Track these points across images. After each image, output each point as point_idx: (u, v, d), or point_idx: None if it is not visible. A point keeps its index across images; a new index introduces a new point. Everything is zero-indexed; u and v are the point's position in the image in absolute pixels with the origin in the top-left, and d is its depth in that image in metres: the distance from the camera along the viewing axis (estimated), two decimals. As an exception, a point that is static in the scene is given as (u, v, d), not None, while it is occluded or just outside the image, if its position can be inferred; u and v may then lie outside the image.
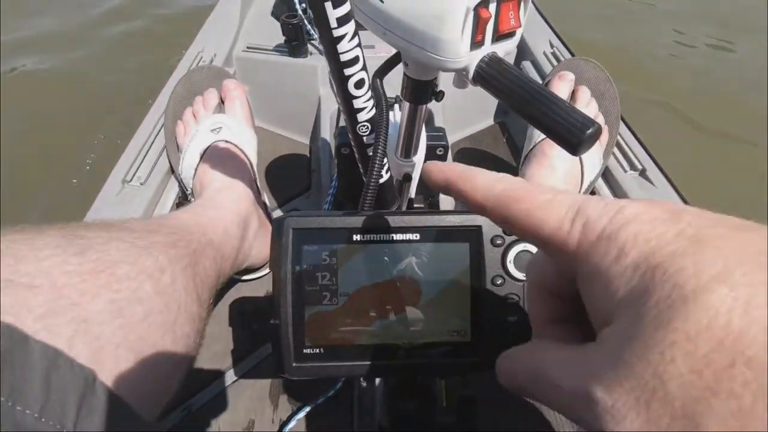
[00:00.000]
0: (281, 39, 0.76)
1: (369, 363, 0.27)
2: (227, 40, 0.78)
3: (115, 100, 1.31)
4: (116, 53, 1.57)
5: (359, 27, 0.30)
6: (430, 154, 0.53)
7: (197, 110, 0.56)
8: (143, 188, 0.55)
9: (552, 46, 0.78)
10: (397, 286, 0.27)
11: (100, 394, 0.22)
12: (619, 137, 0.61)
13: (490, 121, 0.83)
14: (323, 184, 0.66)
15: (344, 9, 0.27)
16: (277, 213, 0.68)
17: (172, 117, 0.58)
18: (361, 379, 0.41)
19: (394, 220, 0.27)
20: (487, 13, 0.28)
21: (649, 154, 0.60)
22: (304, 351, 0.26)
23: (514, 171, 0.70)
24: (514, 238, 0.27)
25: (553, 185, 0.52)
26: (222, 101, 0.58)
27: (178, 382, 0.31)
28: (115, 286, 0.26)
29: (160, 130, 0.60)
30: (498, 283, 0.27)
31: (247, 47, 0.79)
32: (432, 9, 0.28)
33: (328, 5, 0.26)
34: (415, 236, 0.27)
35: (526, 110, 0.29)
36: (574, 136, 0.25)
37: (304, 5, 0.74)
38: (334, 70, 0.30)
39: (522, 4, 0.30)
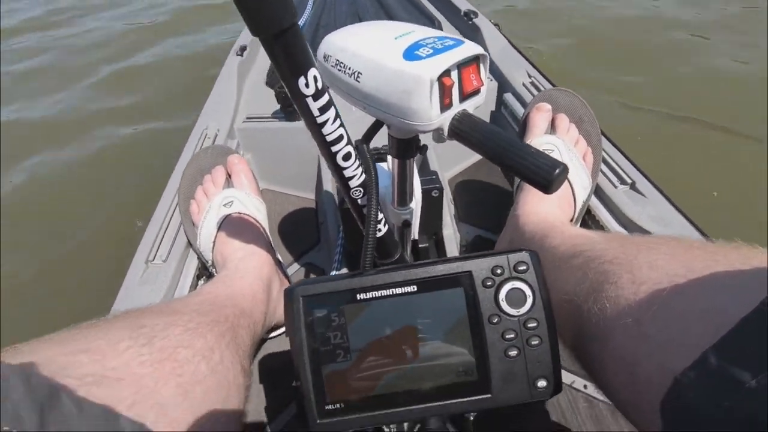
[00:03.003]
0: (277, 106, 0.81)
1: (387, 411, 0.29)
2: (228, 114, 0.84)
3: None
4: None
5: None
6: (426, 198, 0.57)
7: (207, 188, 0.61)
8: (165, 265, 0.59)
9: (530, 76, 0.82)
10: (403, 336, 0.29)
11: None
12: (605, 155, 0.64)
13: None
14: (331, 235, 0.69)
15: (323, 99, 0.31)
16: (293, 267, 0.71)
17: (184, 197, 0.63)
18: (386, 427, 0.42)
19: (392, 276, 0.30)
20: (450, 81, 0.32)
21: (637, 167, 0.62)
22: (326, 407, 0.29)
23: (510, 197, 0.73)
24: (503, 277, 0.30)
25: (547, 210, 0.55)
26: (229, 176, 0.63)
27: None
28: (179, 370, 0.31)
29: (175, 210, 0.65)
30: (494, 321, 0.29)
31: (247, 117, 0.85)
32: (401, 85, 0.31)
33: (309, 99, 0.30)
34: (413, 288, 0.29)
35: (499, 159, 0.32)
36: (544, 178, 0.28)
37: None
38: (323, 149, 0.34)
39: (481, 65, 0.34)
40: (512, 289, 0.29)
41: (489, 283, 0.29)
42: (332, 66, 0.35)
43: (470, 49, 0.32)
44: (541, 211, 0.55)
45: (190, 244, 0.62)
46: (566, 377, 0.53)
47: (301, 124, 0.84)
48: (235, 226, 0.57)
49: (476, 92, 0.35)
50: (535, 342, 0.29)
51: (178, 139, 0.82)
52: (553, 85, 0.76)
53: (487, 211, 0.76)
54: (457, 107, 0.34)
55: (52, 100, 1.92)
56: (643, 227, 0.55)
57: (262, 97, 0.91)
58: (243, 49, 1.01)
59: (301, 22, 1.19)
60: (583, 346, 0.33)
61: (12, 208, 1.33)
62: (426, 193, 0.56)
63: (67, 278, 1.11)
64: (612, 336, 0.30)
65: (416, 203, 0.50)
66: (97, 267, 1.11)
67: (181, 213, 0.63)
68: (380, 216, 0.42)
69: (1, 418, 0.18)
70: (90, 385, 0.25)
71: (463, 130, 0.34)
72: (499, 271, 0.29)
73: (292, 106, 0.81)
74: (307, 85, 0.29)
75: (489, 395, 0.29)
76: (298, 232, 0.76)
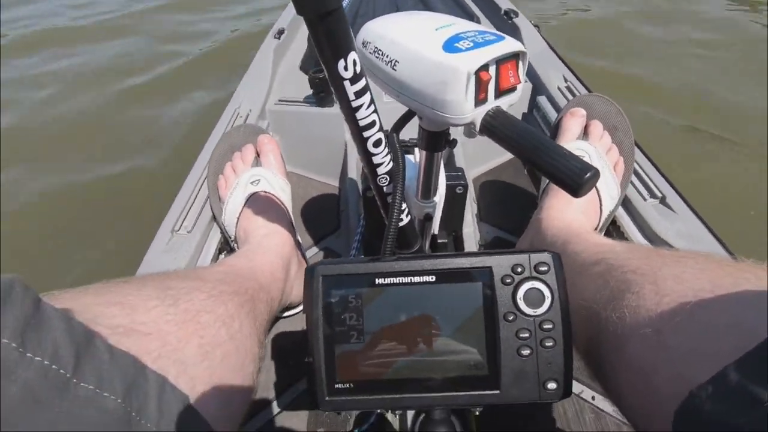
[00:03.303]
0: (309, 91, 0.82)
1: (395, 396, 0.29)
2: (261, 95, 0.85)
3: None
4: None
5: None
6: (450, 193, 0.57)
7: (236, 165, 0.62)
8: (189, 236, 0.60)
9: (566, 80, 0.81)
10: (417, 325, 0.29)
11: (193, 412, 0.28)
12: (636, 166, 0.62)
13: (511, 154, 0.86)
14: (352, 223, 0.70)
15: (360, 84, 0.31)
16: (312, 251, 0.72)
17: (214, 172, 0.64)
18: (391, 412, 0.43)
19: (412, 264, 0.30)
20: (487, 76, 0.32)
21: (669, 182, 0.61)
22: (336, 386, 0.29)
23: (534, 201, 0.72)
24: (523, 276, 0.30)
25: (572, 216, 0.54)
26: (258, 155, 0.64)
27: (243, 412, 0.36)
28: (201, 332, 0.32)
29: (203, 184, 0.67)
30: (510, 319, 0.29)
31: (279, 100, 0.86)
32: (438, 76, 0.31)
33: (347, 83, 0.30)
34: (432, 278, 0.30)
35: (529, 158, 0.32)
36: (574, 180, 0.28)
37: None
38: (355, 134, 0.34)
39: (520, 63, 0.34)
40: (531, 288, 0.29)
41: (508, 281, 0.29)
42: (370, 53, 0.35)
43: (511, 45, 0.32)
44: (565, 216, 0.54)
45: (214, 218, 0.64)
46: (575, 387, 0.52)
47: (331, 111, 0.85)
48: (260, 204, 0.58)
49: (512, 90, 0.34)
50: (549, 343, 0.29)
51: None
52: (590, 91, 0.75)
53: (510, 212, 0.75)
54: (491, 103, 0.34)
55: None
56: (669, 243, 0.54)
57: (295, 81, 0.92)
58: (281, 32, 1.02)
59: None
60: (597, 353, 0.33)
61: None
62: (450, 189, 0.56)
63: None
64: (629, 344, 0.29)
65: (440, 198, 0.51)
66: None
67: (209, 187, 0.65)
68: (403, 206, 0.42)
69: (42, 352, 0.19)
70: (120, 335, 0.27)
71: (496, 126, 0.33)
72: (519, 270, 0.29)
73: (323, 91, 0.81)
74: (346, 68, 0.29)
75: (497, 391, 0.29)
76: (319, 217, 0.77)
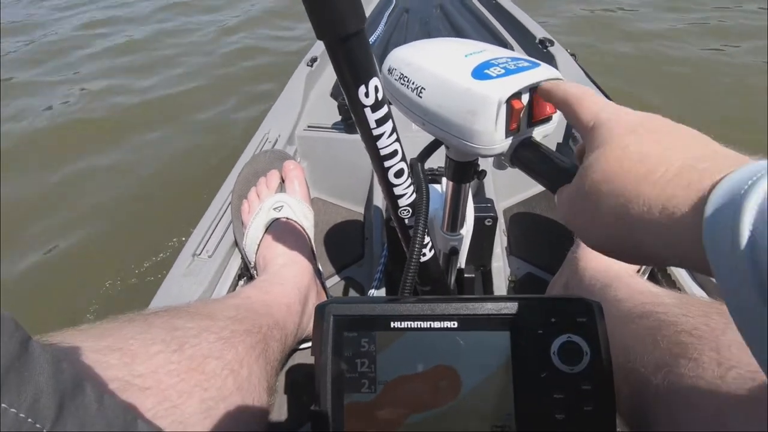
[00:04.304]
0: (338, 117, 0.82)
1: None
2: (290, 120, 0.86)
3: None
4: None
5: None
6: (478, 226, 0.54)
7: (261, 190, 0.62)
8: (210, 261, 0.60)
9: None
10: (436, 376, 0.26)
11: None
12: None
13: None
14: (376, 252, 0.67)
15: (382, 111, 0.29)
16: (333, 280, 0.70)
17: (238, 196, 0.64)
18: None
19: (432, 308, 0.27)
20: (519, 104, 0.29)
21: None
22: None
23: (570, 236, 0.67)
24: (559, 327, 0.26)
25: None
26: (283, 181, 0.64)
27: None
28: (205, 384, 0.30)
29: (227, 209, 0.66)
30: (542, 376, 0.26)
31: (308, 126, 0.86)
32: (466, 104, 0.29)
33: (368, 110, 0.28)
34: (454, 324, 0.27)
35: None
36: None
37: None
38: (375, 162, 0.32)
39: (556, 90, 0.31)
40: (567, 342, 0.26)
41: (541, 332, 0.26)
42: (396, 80, 0.34)
43: (545, 72, 0.30)
44: (605, 256, 0.50)
45: (236, 243, 0.63)
46: None
47: (358, 137, 0.84)
48: (281, 231, 0.57)
49: (547, 120, 0.32)
50: (587, 408, 0.25)
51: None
52: None
53: (543, 247, 0.71)
54: (524, 133, 0.31)
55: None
56: None
57: (325, 108, 0.92)
58: (314, 60, 1.04)
59: (371, 40, 1.21)
60: (644, 424, 0.28)
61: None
62: (479, 221, 0.53)
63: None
64: (684, 423, 0.25)
65: (467, 230, 0.48)
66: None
67: (232, 211, 0.64)
68: (426, 240, 0.40)
69: (20, 402, 0.18)
70: (115, 390, 0.25)
71: (528, 158, 0.31)
72: (554, 320, 0.26)
73: (352, 118, 0.81)
74: (367, 95, 0.28)
75: None
76: (343, 245, 0.75)
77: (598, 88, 0.85)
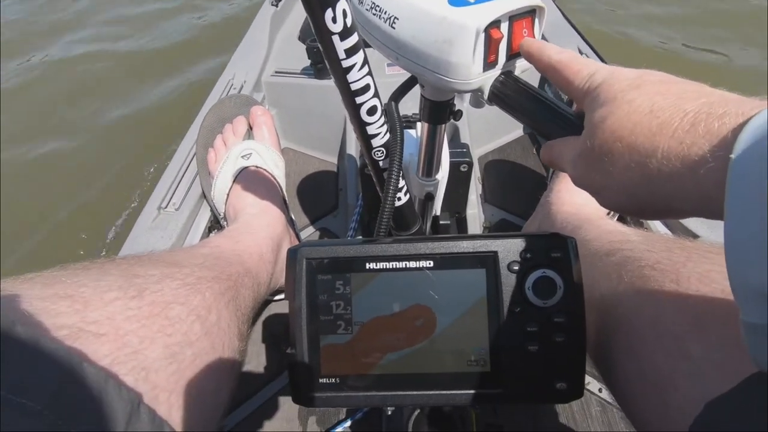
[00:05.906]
0: (308, 62, 0.78)
1: (384, 393, 0.26)
2: (256, 66, 0.81)
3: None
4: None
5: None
6: (454, 172, 0.53)
7: (227, 137, 0.58)
8: (177, 214, 0.57)
9: (581, 52, 0.76)
10: (412, 315, 0.26)
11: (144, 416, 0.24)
12: None
13: (519, 132, 0.82)
14: (350, 202, 0.66)
15: (352, 40, 0.27)
16: (308, 231, 0.69)
17: (203, 145, 0.60)
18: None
19: (407, 247, 0.27)
20: (498, 34, 0.28)
21: None
22: (320, 381, 0.26)
23: (544, 182, 0.68)
24: (533, 263, 0.26)
25: (584, 200, 0.50)
26: (251, 127, 0.60)
27: (221, 413, 0.32)
28: (169, 329, 0.28)
29: (192, 159, 0.63)
30: (516, 310, 0.26)
31: (276, 71, 0.81)
32: (442, 34, 0.27)
33: (335, 38, 0.26)
34: (429, 263, 0.26)
35: (545, 131, 0.28)
36: None
37: None
38: (346, 99, 0.30)
39: (536, 19, 0.30)
40: (541, 277, 0.26)
41: (516, 267, 0.26)
42: (367, 9, 0.31)
43: (527, -2, 0.28)
44: (576, 200, 0.50)
45: (204, 195, 0.61)
46: None
47: (330, 83, 0.80)
48: (250, 179, 0.54)
49: (526, 51, 0.30)
50: (559, 339, 0.26)
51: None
52: (605, 63, 0.70)
53: (517, 194, 0.71)
54: (502, 66, 0.30)
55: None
56: (691, 230, 0.50)
57: (293, 52, 0.87)
58: None
59: None
60: (608, 354, 0.29)
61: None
62: (454, 167, 0.52)
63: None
64: (645, 350, 0.26)
65: (442, 176, 0.47)
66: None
67: (198, 161, 0.61)
68: (402, 183, 0.39)
69: None
70: (65, 338, 0.23)
71: (506, 94, 0.30)
72: (529, 255, 0.26)
73: (322, 62, 0.77)
74: (334, 20, 0.25)
75: (500, 390, 0.26)
76: (316, 195, 0.74)
77: (576, 30, 0.83)
